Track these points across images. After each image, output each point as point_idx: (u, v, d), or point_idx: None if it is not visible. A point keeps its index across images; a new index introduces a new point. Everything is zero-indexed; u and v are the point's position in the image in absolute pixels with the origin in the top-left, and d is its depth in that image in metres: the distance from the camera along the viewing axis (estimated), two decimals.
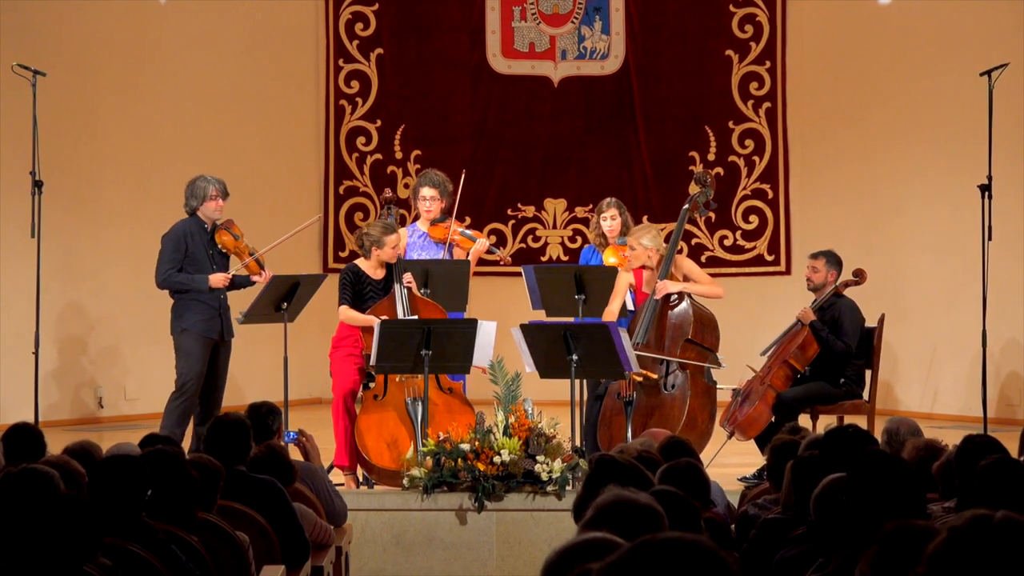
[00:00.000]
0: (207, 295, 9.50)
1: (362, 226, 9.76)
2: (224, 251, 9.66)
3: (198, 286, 9.49)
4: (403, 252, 9.67)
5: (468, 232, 9.93)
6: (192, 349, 9.47)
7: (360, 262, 9.23)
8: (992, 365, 11.06)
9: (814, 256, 9.68)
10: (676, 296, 9.24)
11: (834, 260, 9.60)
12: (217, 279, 9.51)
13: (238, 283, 9.71)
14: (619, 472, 4.62)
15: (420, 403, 8.74)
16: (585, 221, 13.26)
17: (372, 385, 9.01)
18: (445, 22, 13.37)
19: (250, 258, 9.61)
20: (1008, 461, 4.80)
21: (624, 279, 9.36)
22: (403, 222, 10.25)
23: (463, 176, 9.97)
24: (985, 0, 11.99)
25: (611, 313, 9.19)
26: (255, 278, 9.67)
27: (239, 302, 9.67)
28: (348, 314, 9.02)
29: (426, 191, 9.74)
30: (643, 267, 9.36)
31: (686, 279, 9.32)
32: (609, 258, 9.80)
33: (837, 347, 9.33)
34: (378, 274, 9.17)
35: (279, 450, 6.66)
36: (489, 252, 9.98)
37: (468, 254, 9.78)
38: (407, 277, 9.07)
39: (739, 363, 9.62)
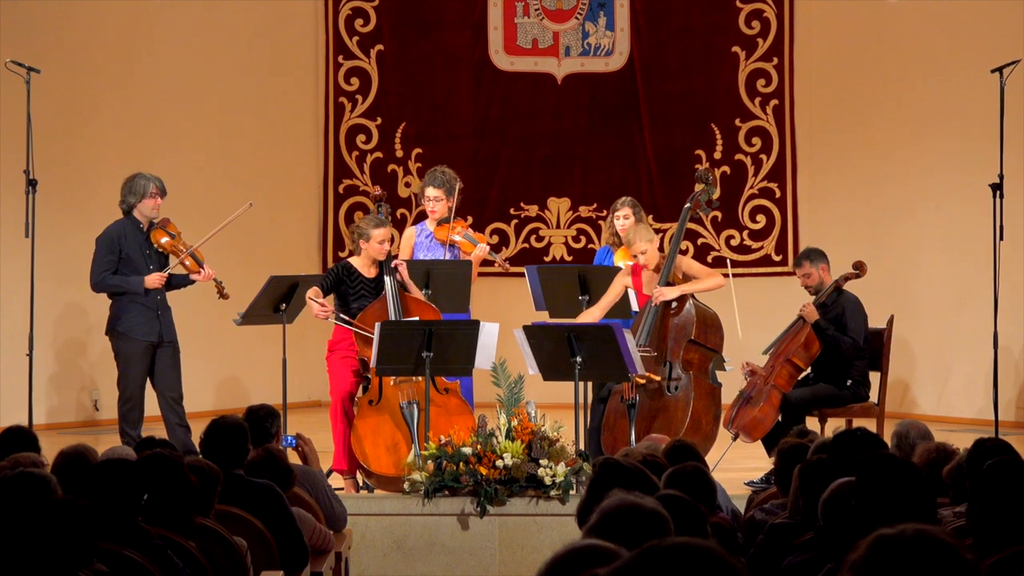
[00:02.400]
0: (144, 297, 9.37)
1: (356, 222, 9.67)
2: (160, 251, 9.50)
3: (133, 288, 9.36)
4: (411, 252, 9.59)
5: (470, 236, 9.82)
6: (130, 354, 9.37)
7: (354, 260, 9.16)
8: (1007, 368, 10.96)
9: (797, 263, 9.58)
10: (677, 303, 9.13)
11: (817, 256, 9.49)
12: (153, 280, 9.38)
13: (177, 283, 9.59)
14: (624, 476, 4.59)
15: (415, 406, 8.67)
16: (590, 220, 13.19)
17: (368, 389, 8.92)
18: (447, 18, 13.35)
19: (186, 255, 9.41)
20: (1015, 462, 4.72)
21: (621, 281, 9.26)
22: (403, 221, 10.17)
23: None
24: None
25: (592, 314, 9.09)
26: (195, 276, 9.53)
27: (236, 303, 9.57)
28: (308, 292, 8.96)
29: (430, 191, 9.68)
30: (645, 265, 9.23)
31: (685, 277, 9.22)
32: (619, 260, 9.72)
33: (845, 344, 9.24)
34: (371, 272, 9.09)
35: (277, 454, 6.62)
36: (489, 257, 9.90)
37: (471, 258, 9.70)
38: (400, 267, 8.94)
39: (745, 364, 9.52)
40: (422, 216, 10.24)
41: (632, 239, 9.16)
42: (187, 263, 9.46)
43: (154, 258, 9.48)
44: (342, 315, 8.83)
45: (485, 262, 9.95)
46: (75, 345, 12.06)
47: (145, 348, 9.38)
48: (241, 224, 9.76)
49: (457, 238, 9.70)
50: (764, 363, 9.43)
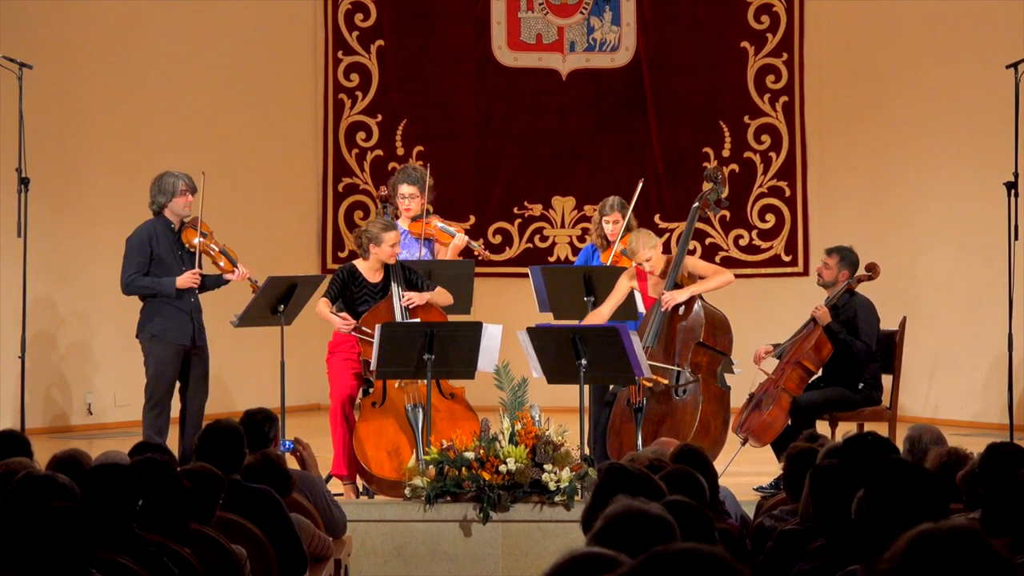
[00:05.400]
0: (178, 299, 9.23)
1: (361, 224, 9.60)
2: (192, 251, 9.36)
3: (165, 290, 9.20)
4: None
5: (447, 227, 9.75)
6: (162, 356, 9.22)
7: (358, 263, 9.10)
8: (1022, 371, 10.84)
9: (828, 252, 9.53)
10: (685, 305, 9.02)
11: (848, 259, 9.42)
12: (185, 279, 9.22)
13: (211, 284, 9.46)
14: (629, 481, 4.57)
15: (421, 409, 8.57)
16: None
17: (371, 391, 8.83)
18: (448, 13, 13.33)
19: (219, 253, 9.30)
20: None
21: (625, 284, 9.15)
22: None
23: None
24: None
25: (600, 315, 8.98)
26: (228, 276, 9.40)
27: (234, 304, 9.44)
28: (320, 308, 8.87)
29: (404, 188, 9.67)
30: (652, 271, 9.13)
31: (691, 277, 9.11)
32: (605, 260, 9.65)
33: (857, 348, 9.17)
34: (375, 277, 9.01)
35: (275, 459, 6.58)
36: (468, 248, 9.80)
37: (448, 249, 9.63)
38: (407, 297, 8.84)
39: (755, 367, 9.40)
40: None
41: (636, 248, 9.06)
42: (220, 263, 9.34)
43: (186, 259, 9.32)
44: (364, 328, 8.67)
45: (488, 261, 9.87)
46: (65, 347, 11.93)
47: (177, 352, 9.24)
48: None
49: (435, 231, 9.62)
50: (774, 366, 9.33)
